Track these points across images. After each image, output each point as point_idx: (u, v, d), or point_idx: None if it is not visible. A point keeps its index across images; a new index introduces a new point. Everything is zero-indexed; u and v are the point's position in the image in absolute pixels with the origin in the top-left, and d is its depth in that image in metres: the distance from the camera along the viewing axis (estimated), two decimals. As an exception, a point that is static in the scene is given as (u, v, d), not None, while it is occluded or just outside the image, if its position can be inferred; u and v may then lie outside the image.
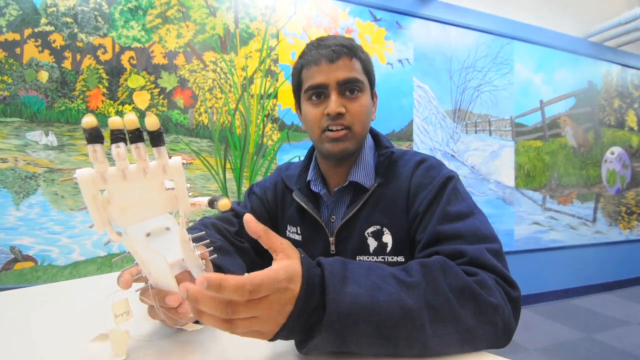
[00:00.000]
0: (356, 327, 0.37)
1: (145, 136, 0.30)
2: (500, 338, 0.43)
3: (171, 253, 0.39)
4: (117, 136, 0.29)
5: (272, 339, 0.37)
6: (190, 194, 0.34)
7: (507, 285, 0.46)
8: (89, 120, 0.27)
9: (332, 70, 0.61)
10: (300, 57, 0.66)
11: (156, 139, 0.30)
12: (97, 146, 0.28)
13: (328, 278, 0.38)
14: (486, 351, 0.42)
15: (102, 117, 1.73)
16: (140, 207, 0.32)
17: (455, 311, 0.40)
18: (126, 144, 0.29)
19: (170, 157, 0.32)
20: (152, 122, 0.29)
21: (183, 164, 0.32)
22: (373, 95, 0.69)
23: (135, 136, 0.29)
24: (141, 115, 1.79)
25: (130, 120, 0.28)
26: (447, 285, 0.42)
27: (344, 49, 0.61)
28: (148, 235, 0.40)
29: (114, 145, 0.29)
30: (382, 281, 0.40)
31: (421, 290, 0.40)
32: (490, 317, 0.42)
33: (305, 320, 0.37)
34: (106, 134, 0.29)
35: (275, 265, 0.36)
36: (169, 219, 0.41)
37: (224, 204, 0.33)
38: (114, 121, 0.28)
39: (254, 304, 0.33)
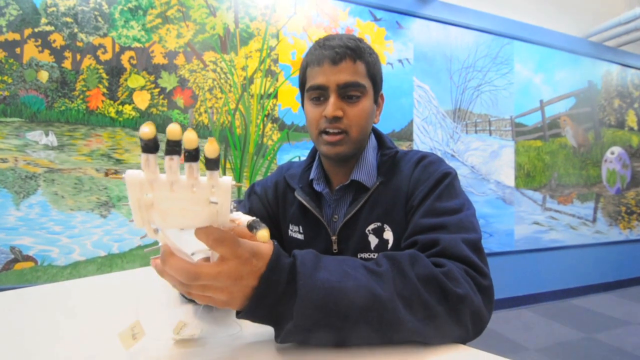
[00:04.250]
0: (327, 313, 0.38)
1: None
2: (470, 328, 0.44)
3: (201, 246, 0.41)
4: (173, 148, 0.28)
5: (240, 316, 0.39)
6: (233, 211, 0.34)
7: (477, 275, 0.47)
8: (147, 131, 0.27)
9: (334, 72, 0.60)
10: (307, 54, 0.65)
11: (212, 164, 0.29)
12: (151, 156, 0.28)
13: (299, 266, 0.39)
14: (485, 350, 0.42)
15: (102, 117, 1.73)
16: (181, 217, 0.32)
17: (424, 299, 0.41)
18: (180, 157, 0.29)
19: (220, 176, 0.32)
20: (212, 150, 0.28)
21: (232, 185, 0.31)
22: (378, 97, 0.67)
23: (192, 155, 0.28)
24: (141, 115, 1.79)
25: (190, 139, 0.27)
26: (415, 275, 0.43)
27: (348, 51, 0.60)
28: (181, 229, 0.41)
29: (167, 157, 0.28)
30: (353, 270, 0.42)
31: (390, 278, 0.42)
32: (456, 308, 0.43)
33: (272, 305, 0.38)
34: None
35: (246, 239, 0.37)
36: None
37: (263, 235, 0.33)
38: (174, 131, 0.27)
39: (214, 267, 0.34)
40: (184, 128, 1.86)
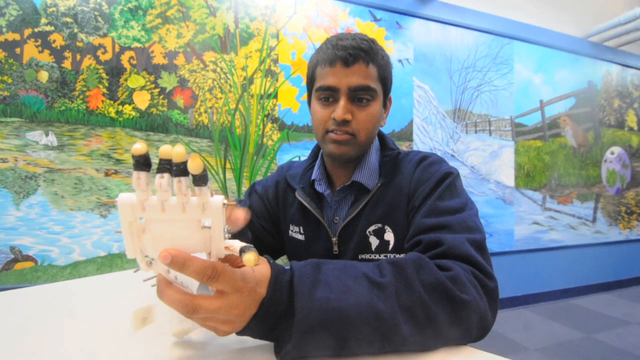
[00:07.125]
0: (327, 333, 0.37)
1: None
2: (475, 333, 0.44)
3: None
4: (164, 166, 0.28)
5: (239, 334, 0.38)
6: (228, 235, 0.33)
7: (483, 277, 0.46)
8: (139, 147, 0.27)
9: (346, 74, 0.58)
10: (318, 51, 0.63)
11: (198, 180, 0.29)
12: (142, 174, 0.28)
13: (297, 284, 0.38)
14: (485, 350, 0.42)
15: (102, 117, 1.73)
16: (173, 243, 0.31)
17: (429, 309, 0.40)
18: (171, 175, 0.29)
19: (212, 194, 0.31)
20: (195, 166, 0.28)
21: (224, 204, 0.30)
22: (387, 101, 0.67)
23: (180, 170, 0.28)
24: (141, 115, 1.79)
25: (178, 153, 0.27)
26: (420, 283, 0.42)
27: (361, 53, 0.58)
28: None
29: (158, 175, 0.28)
30: (354, 282, 0.40)
31: (393, 290, 0.40)
32: (463, 314, 0.42)
33: (272, 325, 0.37)
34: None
35: (246, 268, 0.36)
36: None
37: (248, 259, 0.32)
38: (165, 151, 0.28)
39: (214, 301, 0.33)
40: (184, 128, 1.86)
